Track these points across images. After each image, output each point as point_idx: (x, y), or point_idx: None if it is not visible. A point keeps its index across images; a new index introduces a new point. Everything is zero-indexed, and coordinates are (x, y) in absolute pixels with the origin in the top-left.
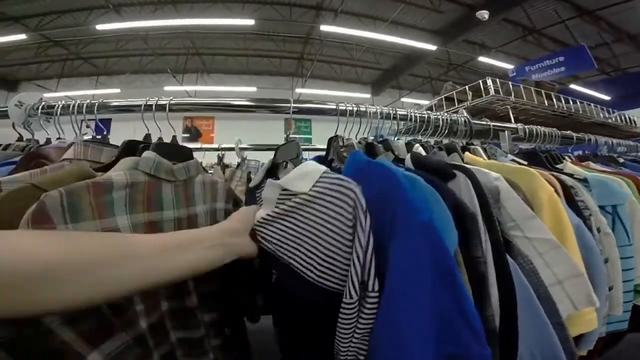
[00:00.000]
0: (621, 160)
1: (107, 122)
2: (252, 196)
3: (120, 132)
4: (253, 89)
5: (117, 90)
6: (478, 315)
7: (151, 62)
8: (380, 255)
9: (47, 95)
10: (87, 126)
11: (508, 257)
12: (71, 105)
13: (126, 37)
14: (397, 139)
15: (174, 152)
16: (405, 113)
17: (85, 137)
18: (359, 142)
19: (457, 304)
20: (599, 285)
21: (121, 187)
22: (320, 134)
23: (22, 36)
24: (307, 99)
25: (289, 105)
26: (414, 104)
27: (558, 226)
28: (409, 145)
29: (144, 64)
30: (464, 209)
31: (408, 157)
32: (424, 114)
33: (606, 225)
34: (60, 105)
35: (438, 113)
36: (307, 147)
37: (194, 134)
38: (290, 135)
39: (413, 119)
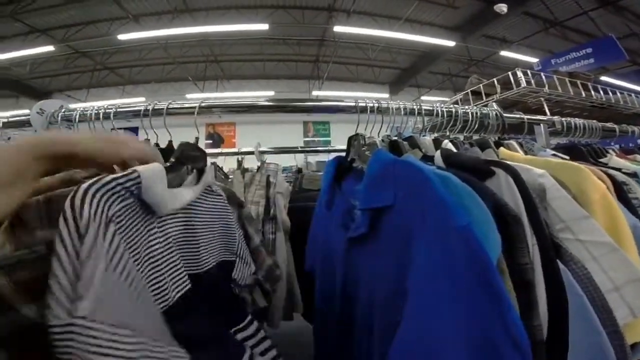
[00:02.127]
0: None
1: (134, 130)
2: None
3: (152, 139)
4: (271, 93)
5: (143, 99)
6: (524, 331)
7: (173, 71)
8: (407, 263)
9: (77, 105)
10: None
11: (559, 263)
12: (88, 112)
13: (148, 47)
14: (423, 136)
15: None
16: (431, 108)
17: None
18: (382, 140)
19: (500, 318)
20: None
21: None
22: (339, 136)
23: (50, 48)
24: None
25: (306, 104)
26: (437, 100)
27: (613, 227)
28: (436, 142)
29: (166, 72)
30: (506, 210)
31: (437, 154)
32: (451, 108)
33: None
34: (79, 112)
35: (466, 107)
36: (329, 148)
37: (217, 140)
38: (309, 138)
39: (439, 114)
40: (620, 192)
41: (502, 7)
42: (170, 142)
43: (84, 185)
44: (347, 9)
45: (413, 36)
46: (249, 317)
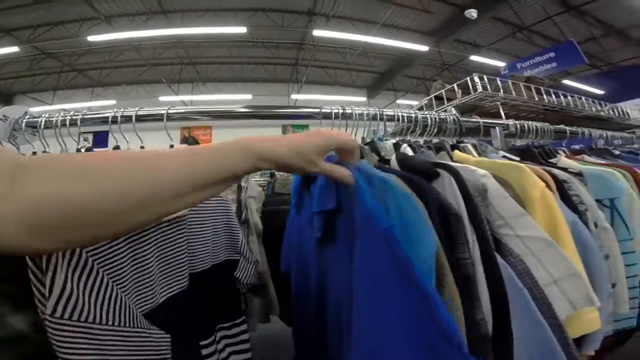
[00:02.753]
0: (617, 152)
1: (104, 135)
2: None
3: (122, 144)
4: (249, 96)
5: (113, 102)
6: (455, 324)
7: (145, 73)
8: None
9: (42, 108)
10: (85, 139)
11: (499, 257)
12: (54, 119)
13: (119, 48)
14: (385, 140)
15: None
16: (392, 113)
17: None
18: None
19: (427, 312)
20: (600, 282)
21: None
22: None
23: (15, 48)
24: (303, 104)
25: (274, 111)
26: (407, 105)
27: (552, 223)
28: (396, 146)
29: (138, 74)
30: (448, 209)
31: (393, 157)
32: (411, 113)
33: (604, 220)
34: (44, 119)
35: (426, 112)
36: None
37: (192, 144)
38: None
39: (400, 119)
40: (562, 189)
41: (472, 13)
42: (142, 147)
43: None
44: (327, 13)
45: (389, 41)
46: (242, 317)
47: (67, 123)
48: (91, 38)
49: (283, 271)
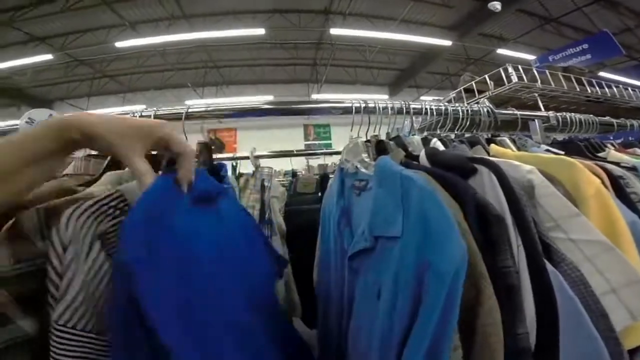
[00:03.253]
0: None
1: None
2: None
3: None
4: (270, 97)
5: (143, 107)
6: None
7: (172, 77)
8: None
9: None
10: None
11: (548, 264)
12: None
13: (146, 54)
14: (413, 135)
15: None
16: (420, 106)
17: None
18: (368, 141)
19: None
20: None
21: None
22: (340, 138)
23: (49, 56)
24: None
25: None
26: (433, 99)
27: (609, 224)
28: (425, 141)
29: (165, 79)
30: (488, 210)
31: (422, 153)
32: (440, 106)
33: None
34: None
35: (457, 104)
36: (328, 151)
37: (218, 146)
38: (310, 142)
39: (429, 112)
40: (618, 186)
41: (496, 5)
42: None
43: (68, 211)
44: (343, 12)
45: (409, 36)
46: None
47: None
48: (118, 44)
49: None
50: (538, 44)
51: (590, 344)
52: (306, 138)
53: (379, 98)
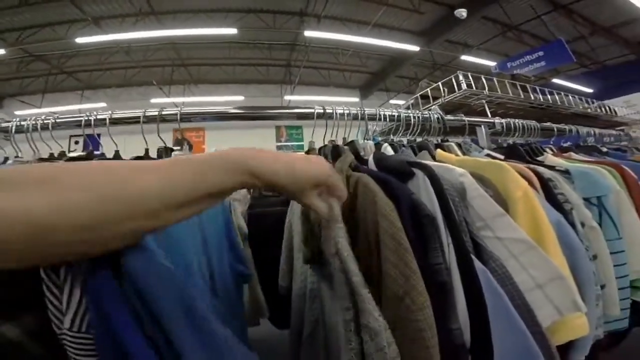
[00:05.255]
0: (604, 149)
1: (96, 138)
2: None
3: (113, 147)
4: (241, 98)
5: (104, 104)
6: None
7: (136, 75)
8: None
9: (31, 111)
10: (76, 142)
11: (477, 262)
12: (26, 123)
13: (109, 50)
14: (366, 140)
15: None
16: (374, 112)
17: (73, 154)
18: (324, 145)
19: None
20: (587, 285)
21: None
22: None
23: (1, 51)
24: (297, 105)
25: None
26: (394, 104)
27: (535, 223)
28: (378, 146)
29: (129, 76)
30: (420, 210)
31: (371, 157)
32: (394, 112)
33: (591, 219)
34: (15, 124)
35: (409, 111)
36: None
37: (186, 146)
38: (282, 143)
39: (383, 118)
40: (547, 188)
41: (462, 12)
42: (117, 152)
43: None
44: (318, 14)
45: (380, 41)
46: None
47: (39, 127)
48: (79, 40)
49: None
50: (500, 50)
51: (520, 338)
52: (278, 139)
53: (351, 101)
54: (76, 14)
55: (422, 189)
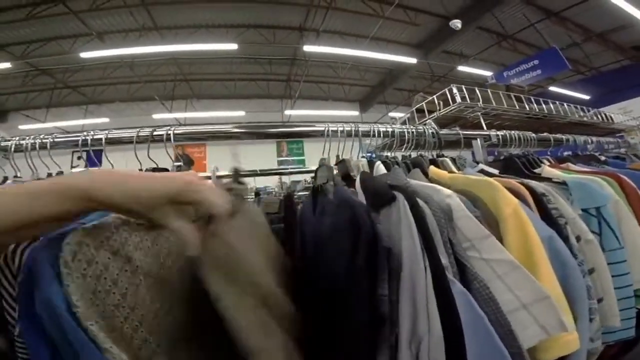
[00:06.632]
0: (602, 158)
1: (99, 153)
2: None
3: (117, 164)
4: (242, 113)
5: (107, 120)
6: None
7: (139, 90)
8: None
9: (35, 126)
10: (79, 157)
11: (458, 284)
12: (24, 142)
13: (113, 65)
14: (362, 157)
15: None
16: (368, 129)
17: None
18: (320, 165)
19: None
20: (579, 300)
21: None
22: (314, 156)
23: (7, 64)
24: (297, 120)
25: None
26: (391, 117)
27: (524, 240)
28: (371, 164)
29: (132, 91)
30: (377, 240)
31: (358, 178)
32: (388, 128)
33: (588, 232)
34: (14, 143)
35: (404, 126)
36: (293, 170)
37: (187, 162)
38: (283, 158)
39: (376, 134)
40: (540, 203)
41: (457, 23)
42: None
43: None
44: (317, 28)
45: (378, 54)
46: None
47: (37, 147)
48: (84, 55)
49: None
50: (496, 60)
51: (496, 359)
52: (279, 154)
53: (350, 114)
54: (81, 29)
55: (402, 213)
